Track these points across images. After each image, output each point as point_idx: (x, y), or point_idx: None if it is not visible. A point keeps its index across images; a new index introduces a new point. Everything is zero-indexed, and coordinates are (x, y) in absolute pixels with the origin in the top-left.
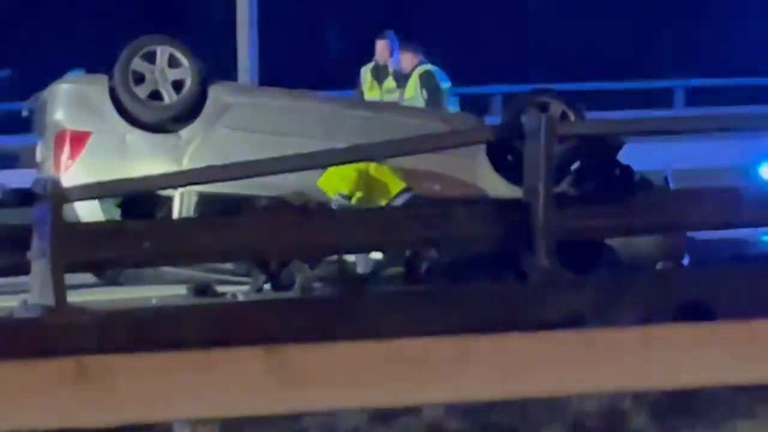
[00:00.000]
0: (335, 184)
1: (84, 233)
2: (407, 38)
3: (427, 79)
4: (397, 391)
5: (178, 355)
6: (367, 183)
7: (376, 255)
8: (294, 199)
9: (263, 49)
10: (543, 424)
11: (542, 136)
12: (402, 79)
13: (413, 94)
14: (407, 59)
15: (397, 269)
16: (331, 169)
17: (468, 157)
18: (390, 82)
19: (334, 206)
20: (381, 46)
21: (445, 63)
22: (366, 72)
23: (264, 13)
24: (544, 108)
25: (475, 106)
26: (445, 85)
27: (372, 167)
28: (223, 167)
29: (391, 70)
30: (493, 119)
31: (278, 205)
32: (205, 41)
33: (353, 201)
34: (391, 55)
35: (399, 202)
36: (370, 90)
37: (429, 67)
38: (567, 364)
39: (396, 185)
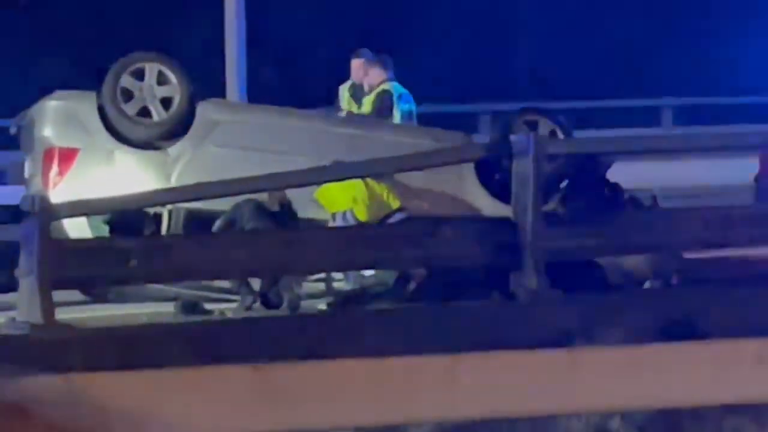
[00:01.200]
0: (339, 201)
1: (72, 250)
2: (380, 53)
3: (380, 99)
4: (385, 409)
5: (166, 372)
6: (370, 195)
7: (366, 272)
8: (271, 200)
9: (251, 67)
10: None
11: (531, 155)
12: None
13: (369, 111)
14: (374, 74)
15: (385, 287)
16: (331, 185)
17: (457, 175)
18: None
19: (334, 222)
20: (356, 64)
21: (434, 81)
22: (344, 90)
23: (252, 30)
24: (533, 126)
25: (463, 124)
26: (406, 107)
27: (372, 181)
28: (212, 184)
29: (367, 88)
30: (482, 137)
31: (257, 207)
32: (193, 58)
33: (356, 212)
34: (367, 73)
35: (393, 221)
36: (347, 108)
37: (389, 86)
38: (555, 383)
39: (394, 201)
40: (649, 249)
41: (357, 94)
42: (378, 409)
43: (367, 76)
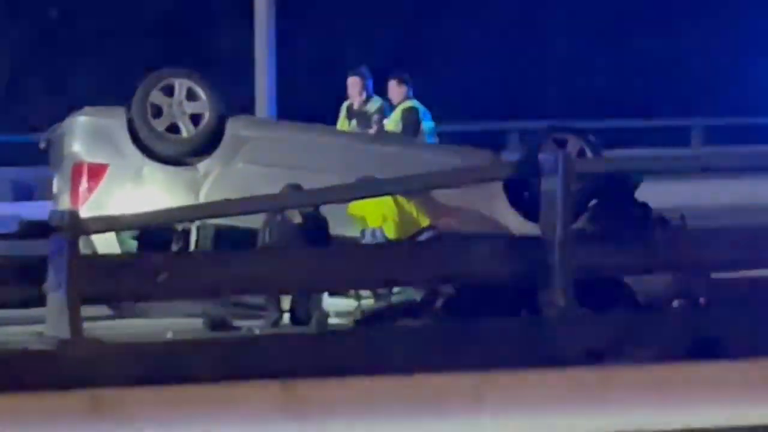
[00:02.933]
0: (369, 218)
1: (100, 266)
2: (404, 69)
3: (408, 116)
4: (413, 426)
5: (193, 388)
6: (399, 212)
7: (394, 289)
8: (292, 213)
9: (281, 83)
10: None
11: (560, 173)
12: (362, 115)
13: (394, 128)
14: (394, 91)
15: (413, 304)
16: (361, 202)
17: (485, 193)
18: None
19: (367, 237)
20: (351, 81)
21: (463, 98)
22: (343, 108)
23: (282, 47)
24: (561, 144)
25: (492, 142)
26: (428, 124)
27: (401, 199)
28: (240, 201)
29: (355, 107)
30: (511, 156)
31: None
32: (223, 75)
33: (385, 229)
34: (361, 92)
35: (422, 238)
36: (341, 127)
37: (413, 103)
38: (583, 402)
39: (424, 219)
40: (678, 268)
41: (350, 113)
42: (405, 427)
43: (390, 93)
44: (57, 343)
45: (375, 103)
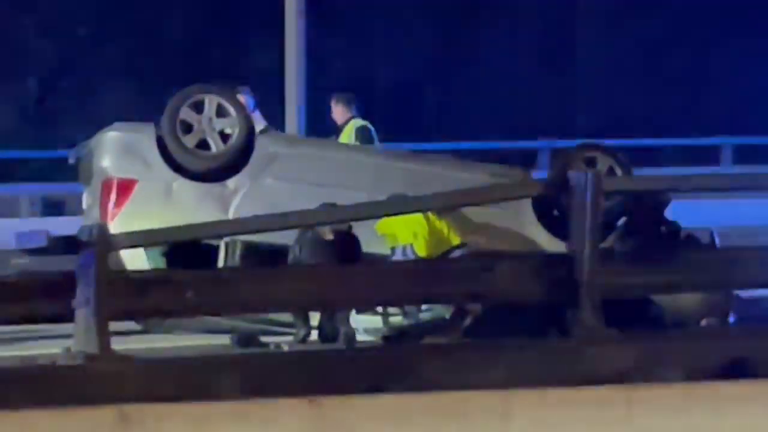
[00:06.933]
0: (399, 235)
1: (129, 281)
2: (345, 89)
3: (364, 135)
4: None
5: (220, 405)
6: (430, 230)
7: (423, 307)
8: (323, 230)
9: (311, 100)
10: None
11: (589, 192)
12: None
13: None
14: (339, 111)
15: (441, 322)
16: (392, 219)
17: (514, 210)
18: None
19: (397, 254)
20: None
21: (493, 116)
22: None
23: (312, 63)
24: (591, 163)
25: (522, 159)
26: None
27: (433, 216)
28: (269, 217)
29: None
30: (541, 174)
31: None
32: (253, 91)
33: (416, 247)
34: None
35: (454, 256)
36: None
37: (365, 122)
38: (611, 421)
39: (455, 237)
40: (707, 287)
41: None
42: None
43: (335, 114)
44: (85, 359)
45: None
